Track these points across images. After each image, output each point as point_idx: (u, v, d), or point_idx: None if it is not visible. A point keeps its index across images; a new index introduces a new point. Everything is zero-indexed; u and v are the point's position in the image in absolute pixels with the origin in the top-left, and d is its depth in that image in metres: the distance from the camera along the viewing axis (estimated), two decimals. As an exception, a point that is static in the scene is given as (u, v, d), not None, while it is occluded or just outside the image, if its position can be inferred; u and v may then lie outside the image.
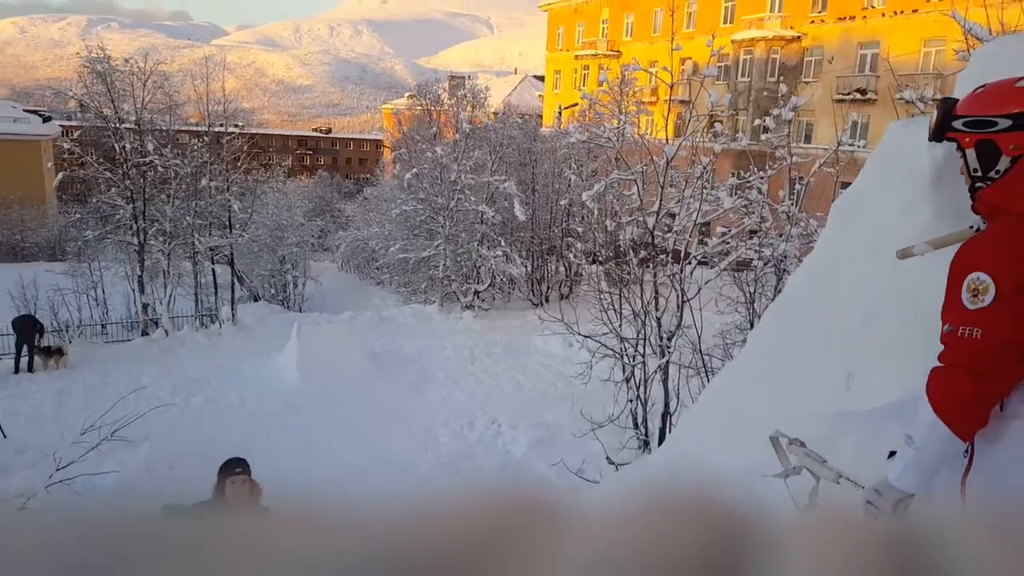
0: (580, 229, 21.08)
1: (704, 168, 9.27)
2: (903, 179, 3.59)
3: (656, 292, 9.63)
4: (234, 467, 4.03)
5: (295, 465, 10.64)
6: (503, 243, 23.19)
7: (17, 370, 15.26)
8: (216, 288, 22.17)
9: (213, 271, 22.18)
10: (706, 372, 9.25)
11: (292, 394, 14.07)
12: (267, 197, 28.50)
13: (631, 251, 10.07)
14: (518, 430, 12.03)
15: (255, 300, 25.71)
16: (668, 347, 9.71)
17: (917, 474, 1.86)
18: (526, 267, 24.36)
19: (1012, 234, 1.74)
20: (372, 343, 17.73)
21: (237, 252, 23.18)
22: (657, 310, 9.66)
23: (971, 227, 2.03)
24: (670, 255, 10.00)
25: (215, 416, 12.99)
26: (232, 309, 21.26)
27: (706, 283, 9.96)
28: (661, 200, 9.05)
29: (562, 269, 25.55)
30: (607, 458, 9.43)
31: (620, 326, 10.15)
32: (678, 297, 9.50)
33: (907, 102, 27.13)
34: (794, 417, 3.63)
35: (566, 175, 23.49)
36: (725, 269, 9.83)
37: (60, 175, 40.83)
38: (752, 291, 9.37)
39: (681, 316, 9.61)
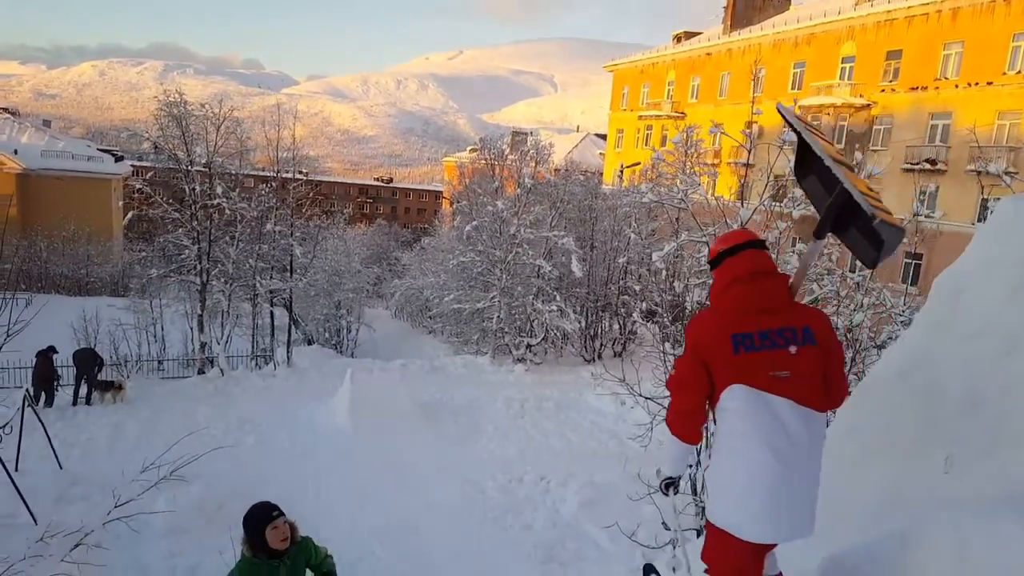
0: (637, 287, 20.77)
1: (780, 232, 8.98)
2: (1016, 258, 3.36)
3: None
4: (271, 511, 3.80)
5: (344, 511, 10.45)
6: (558, 298, 23.02)
7: (76, 402, 15.51)
8: (273, 330, 22.41)
9: (271, 313, 22.46)
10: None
11: (342, 439, 13.97)
12: (327, 243, 28.99)
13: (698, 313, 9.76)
14: (567, 488, 11.65)
15: (309, 343, 25.94)
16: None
17: (670, 464, 3.03)
18: (580, 323, 24.09)
19: (701, 315, 2.83)
20: (423, 392, 17.59)
21: (295, 296, 23.46)
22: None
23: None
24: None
25: (266, 458, 12.92)
26: (288, 351, 21.41)
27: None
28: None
29: (616, 326, 25.19)
30: (663, 523, 9.01)
31: (682, 389, 9.78)
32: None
33: (978, 173, 26.33)
34: (887, 500, 3.33)
35: (625, 233, 23.32)
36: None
37: (131, 213, 42.15)
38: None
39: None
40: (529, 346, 23.08)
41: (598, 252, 24.93)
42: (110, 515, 6.48)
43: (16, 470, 10.12)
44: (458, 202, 31.18)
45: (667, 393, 9.62)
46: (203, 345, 20.25)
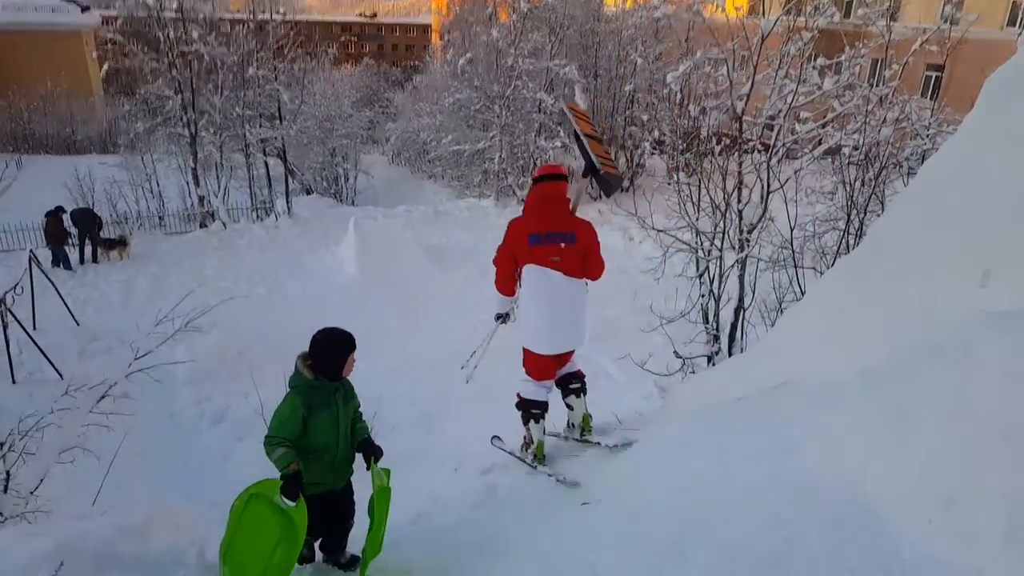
0: (645, 117, 19.98)
1: (805, 44, 8.35)
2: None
3: (740, 182, 8.92)
4: (353, 341, 3.85)
5: (361, 353, 10.58)
6: (562, 133, 22.25)
7: (82, 260, 15.47)
8: (270, 181, 21.98)
9: (266, 163, 21.93)
10: (795, 266, 8.69)
11: (352, 286, 14.01)
12: (314, 87, 27.69)
13: (713, 139, 9.32)
14: (578, 322, 11.78)
15: (308, 193, 25.50)
16: (747, 240, 9.12)
17: (498, 307, 4.70)
18: (585, 158, 23.48)
19: (515, 220, 4.35)
20: (428, 237, 17.45)
21: (287, 144, 22.76)
22: (739, 202, 9.00)
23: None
24: (758, 142, 9.23)
25: (279, 306, 13.04)
26: (287, 202, 21.09)
27: (795, 172, 9.22)
28: (753, 82, 8.21)
29: (623, 160, 24.58)
30: (675, 352, 9.09)
31: (697, 219, 9.56)
32: (763, 188, 8.80)
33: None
34: (920, 313, 3.19)
35: (631, 59, 22.07)
36: (818, 158, 9.07)
37: (106, 65, 39.85)
38: (853, 180, 8.62)
39: (765, 208, 8.94)
40: (533, 185, 22.63)
41: (602, 81, 23.79)
42: (131, 367, 6.51)
43: (34, 328, 10.19)
44: (449, 33, 29.44)
45: (681, 224, 9.54)
46: (201, 199, 19.91)
